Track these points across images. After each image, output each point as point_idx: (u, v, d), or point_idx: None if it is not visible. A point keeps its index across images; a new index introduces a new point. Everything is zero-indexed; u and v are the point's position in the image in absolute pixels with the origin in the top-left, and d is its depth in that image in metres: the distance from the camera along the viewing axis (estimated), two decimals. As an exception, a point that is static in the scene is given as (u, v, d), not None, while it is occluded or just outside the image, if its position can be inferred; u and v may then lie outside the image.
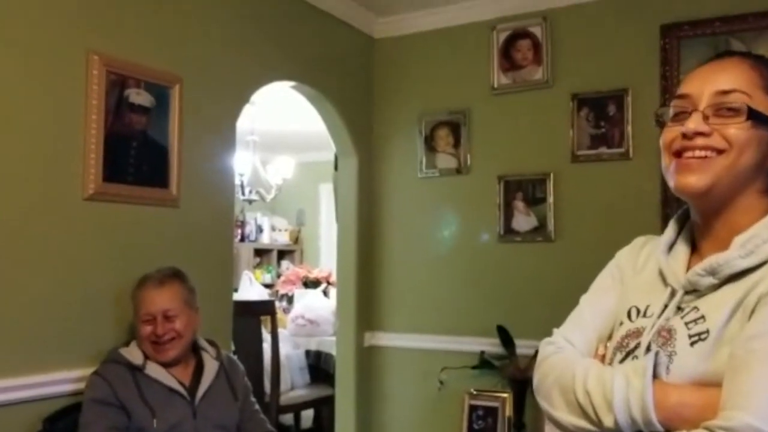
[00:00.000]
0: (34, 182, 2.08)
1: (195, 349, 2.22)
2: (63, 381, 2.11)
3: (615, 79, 3.10)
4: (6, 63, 2.00)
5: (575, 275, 3.08)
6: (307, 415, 5.23)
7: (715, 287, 1.06)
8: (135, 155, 2.39)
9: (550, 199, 3.22)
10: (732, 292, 1.03)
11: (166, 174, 2.50)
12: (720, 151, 1.06)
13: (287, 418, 5.31)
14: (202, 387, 2.13)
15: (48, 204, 2.12)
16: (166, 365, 2.10)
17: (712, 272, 1.05)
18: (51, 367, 2.10)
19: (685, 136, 1.07)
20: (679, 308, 1.09)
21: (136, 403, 1.99)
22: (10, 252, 2.01)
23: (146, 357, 2.08)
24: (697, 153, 1.07)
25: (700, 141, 1.06)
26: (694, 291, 1.08)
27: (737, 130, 1.05)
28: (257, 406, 2.32)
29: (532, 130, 3.29)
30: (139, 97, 2.40)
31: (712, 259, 1.05)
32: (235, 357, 2.38)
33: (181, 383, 2.11)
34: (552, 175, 3.21)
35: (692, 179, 1.07)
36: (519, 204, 3.31)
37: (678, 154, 1.09)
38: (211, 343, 2.30)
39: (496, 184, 3.33)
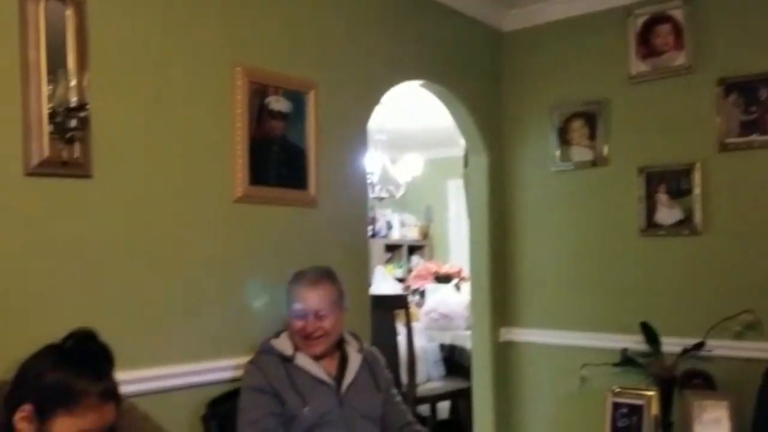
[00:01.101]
0: (191, 187, 2.25)
1: (339, 342, 2.31)
2: (223, 369, 2.28)
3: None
4: (166, 80, 2.18)
5: (726, 270, 2.98)
6: (443, 407, 5.29)
7: None
8: (276, 159, 2.52)
9: (697, 191, 3.06)
10: None
11: (304, 176, 2.61)
12: None
13: (424, 409, 5.40)
14: (347, 378, 2.22)
15: (203, 207, 2.28)
16: (314, 357, 2.20)
17: None
18: (212, 356, 2.27)
19: None
20: None
21: (288, 392, 2.11)
22: (176, 253, 2.19)
23: (295, 348, 2.20)
24: None
25: None
26: None
27: None
28: (399, 397, 2.38)
29: (675, 119, 3.14)
30: (278, 103, 2.53)
31: None
32: (376, 350, 2.45)
33: (328, 374, 2.21)
34: (698, 165, 3.05)
35: None
36: (662, 197, 3.17)
37: None
38: (355, 336, 2.38)
39: (637, 177, 3.21)
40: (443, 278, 5.47)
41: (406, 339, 4.34)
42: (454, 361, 4.83)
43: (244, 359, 2.24)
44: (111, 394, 1.43)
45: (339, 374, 2.24)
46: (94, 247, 1.98)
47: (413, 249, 7.45)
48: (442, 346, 4.86)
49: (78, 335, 1.46)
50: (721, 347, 2.90)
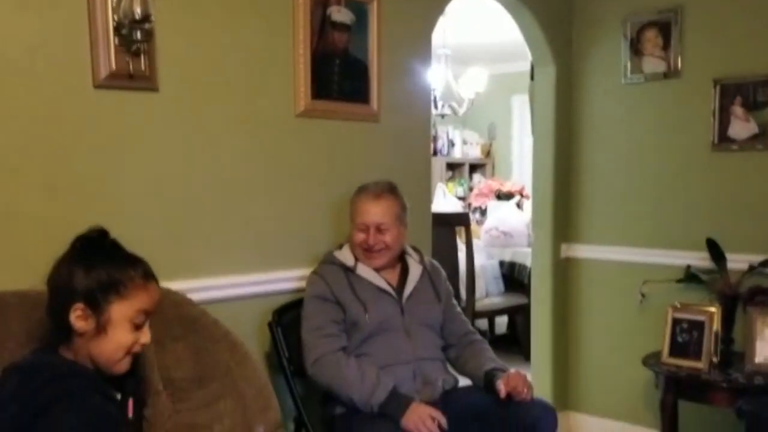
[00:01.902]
0: (254, 101, 2.27)
1: (401, 255, 2.36)
2: (288, 279, 2.37)
3: None
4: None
5: (800, 186, 2.86)
6: (501, 322, 5.39)
7: None
8: (338, 72, 2.51)
9: (775, 104, 2.92)
10: None
11: (367, 90, 2.60)
12: None
13: (482, 324, 5.52)
14: (408, 288, 2.29)
15: (266, 120, 2.31)
16: (375, 268, 2.26)
17: None
18: (278, 266, 2.35)
19: None
20: None
21: (350, 300, 2.19)
22: (238, 166, 2.24)
23: (357, 259, 2.26)
24: None
25: None
26: None
27: None
28: (459, 309, 2.44)
29: (756, 28, 2.96)
30: (340, 14, 2.50)
31: None
32: (436, 262, 2.49)
33: (389, 284, 2.27)
34: (778, 75, 2.89)
35: None
36: (737, 109, 3.03)
37: None
38: (416, 249, 2.43)
39: (711, 89, 3.06)
40: (504, 196, 5.44)
41: (466, 256, 4.39)
42: (513, 278, 4.87)
43: (307, 270, 2.32)
44: (151, 273, 1.52)
45: (400, 284, 2.30)
46: (160, 159, 2.04)
47: (475, 167, 7.39)
48: (502, 263, 4.90)
49: (97, 231, 1.51)
50: (790, 265, 2.83)
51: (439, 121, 6.97)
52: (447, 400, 2.17)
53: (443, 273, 2.45)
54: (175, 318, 1.85)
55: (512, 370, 2.18)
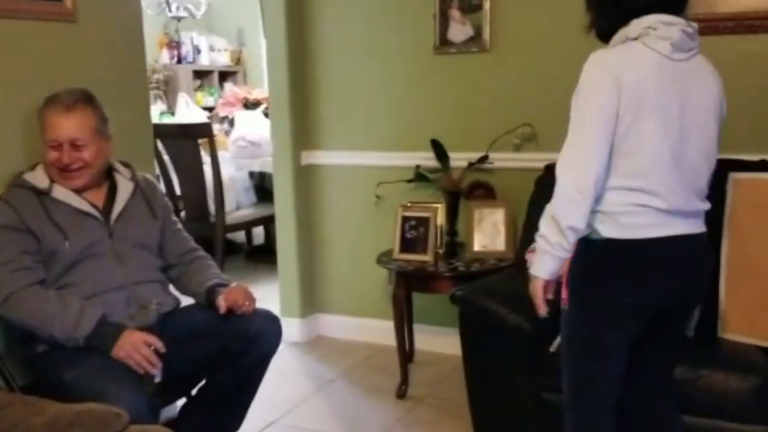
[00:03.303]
0: None
1: (108, 173, 2.15)
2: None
3: None
4: None
5: (509, 86, 3.07)
6: (258, 233, 5.36)
7: None
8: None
9: (486, 6, 3.06)
10: None
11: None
12: None
13: (239, 236, 5.44)
14: (116, 208, 2.10)
15: None
16: (75, 190, 2.03)
17: None
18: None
19: None
20: None
21: (45, 227, 1.95)
22: None
23: (52, 181, 2.01)
24: None
25: None
26: None
27: None
28: (179, 225, 2.31)
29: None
30: None
31: None
32: (151, 177, 2.31)
33: (93, 206, 2.06)
34: (487, -22, 3.02)
35: None
36: (455, 13, 3.14)
37: None
38: (126, 164, 2.22)
39: (431, -8, 3.13)
40: (253, 105, 5.28)
41: (212, 168, 4.23)
42: (265, 188, 4.80)
43: (-4, 195, 2.02)
44: None
45: (108, 204, 2.10)
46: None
47: (225, 75, 7.07)
48: (252, 174, 4.80)
49: None
50: (502, 159, 3.07)
51: (182, 27, 6.51)
52: (166, 323, 2.07)
53: (159, 188, 2.29)
54: None
55: (233, 284, 2.12)
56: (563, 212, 1.60)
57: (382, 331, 3.31)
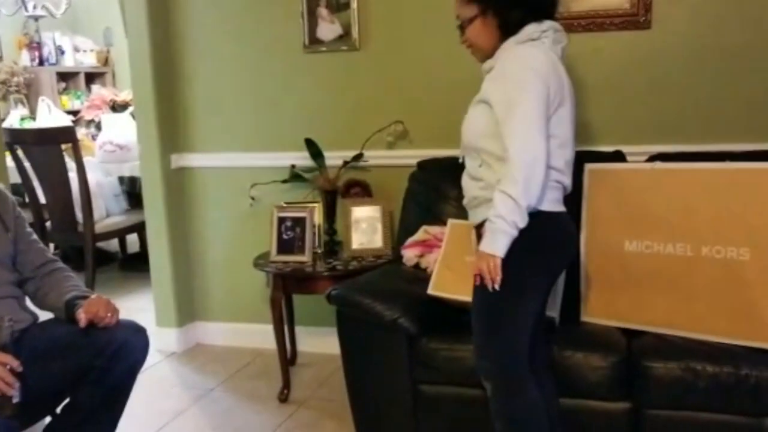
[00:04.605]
0: None
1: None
2: None
3: None
4: None
5: (380, 84, 3.10)
6: (133, 240, 5.12)
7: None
8: None
9: (354, 5, 3.07)
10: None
11: None
12: None
13: (112, 245, 5.18)
14: (-39, 223, 1.93)
15: None
16: None
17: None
18: None
19: None
20: None
21: None
22: None
23: None
24: None
25: None
26: None
27: None
28: (35, 236, 2.16)
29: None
30: None
31: None
32: (1, 186, 2.15)
33: (-68, 221, 1.89)
34: (353, -24, 3.03)
35: None
36: (323, 11, 3.14)
37: None
38: (-30, 174, 2.06)
39: (297, -10, 3.11)
40: (121, 107, 5.04)
41: (78, 174, 4.01)
42: (137, 193, 4.60)
43: None
44: None
45: (-50, 219, 1.94)
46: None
47: (93, 77, 6.72)
48: (122, 180, 4.59)
49: None
50: (376, 157, 3.09)
51: (43, 27, 6.12)
52: (22, 340, 1.92)
53: (11, 198, 2.13)
54: None
55: (93, 296, 2.01)
56: (524, 193, 1.74)
57: (263, 336, 3.25)
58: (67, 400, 2.02)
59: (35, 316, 2.06)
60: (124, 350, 1.93)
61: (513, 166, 1.75)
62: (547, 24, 1.91)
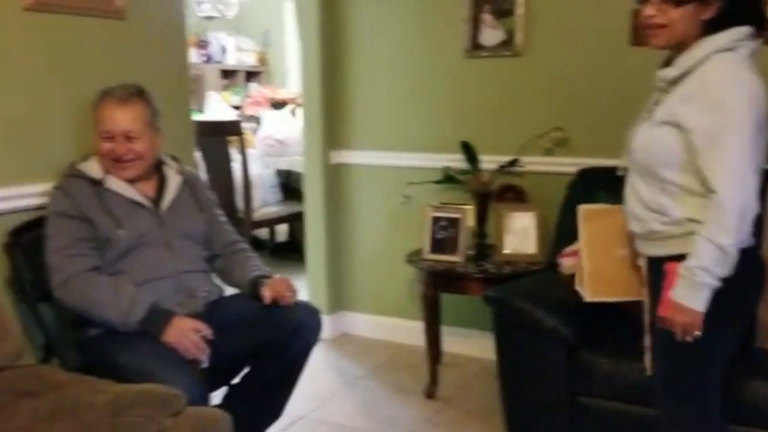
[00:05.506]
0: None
1: (158, 165, 2.22)
2: (27, 195, 2.11)
3: None
4: None
5: (541, 90, 3.12)
6: (282, 230, 5.43)
7: None
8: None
9: (520, 11, 3.11)
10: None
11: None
12: None
13: (263, 233, 5.51)
14: (166, 199, 2.16)
15: None
16: (127, 180, 2.10)
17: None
18: (14, 181, 2.08)
19: None
20: None
21: (99, 215, 2.01)
22: None
23: (106, 171, 2.08)
24: None
25: None
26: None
27: None
28: (224, 218, 2.37)
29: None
30: None
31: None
32: (196, 172, 2.38)
33: (145, 196, 2.12)
34: (522, -16, 3.07)
35: None
36: (487, 17, 3.20)
37: None
38: (174, 158, 2.29)
39: (464, -4, 3.19)
40: (279, 104, 5.35)
41: (241, 165, 4.30)
42: (291, 186, 4.87)
43: (48, 185, 2.10)
44: None
45: (157, 196, 2.17)
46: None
47: (251, 75, 7.15)
48: (279, 172, 4.88)
49: None
50: (532, 163, 3.11)
51: (210, 27, 6.59)
52: (212, 311, 2.12)
53: (203, 181, 2.35)
54: None
55: (277, 276, 2.18)
56: (736, 242, 1.58)
57: (406, 331, 3.36)
58: (244, 372, 2.20)
59: (221, 290, 2.26)
60: (303, 328, 2.09)
61: (723, 212, 1.57)
62: (748, 29, 1.66)
